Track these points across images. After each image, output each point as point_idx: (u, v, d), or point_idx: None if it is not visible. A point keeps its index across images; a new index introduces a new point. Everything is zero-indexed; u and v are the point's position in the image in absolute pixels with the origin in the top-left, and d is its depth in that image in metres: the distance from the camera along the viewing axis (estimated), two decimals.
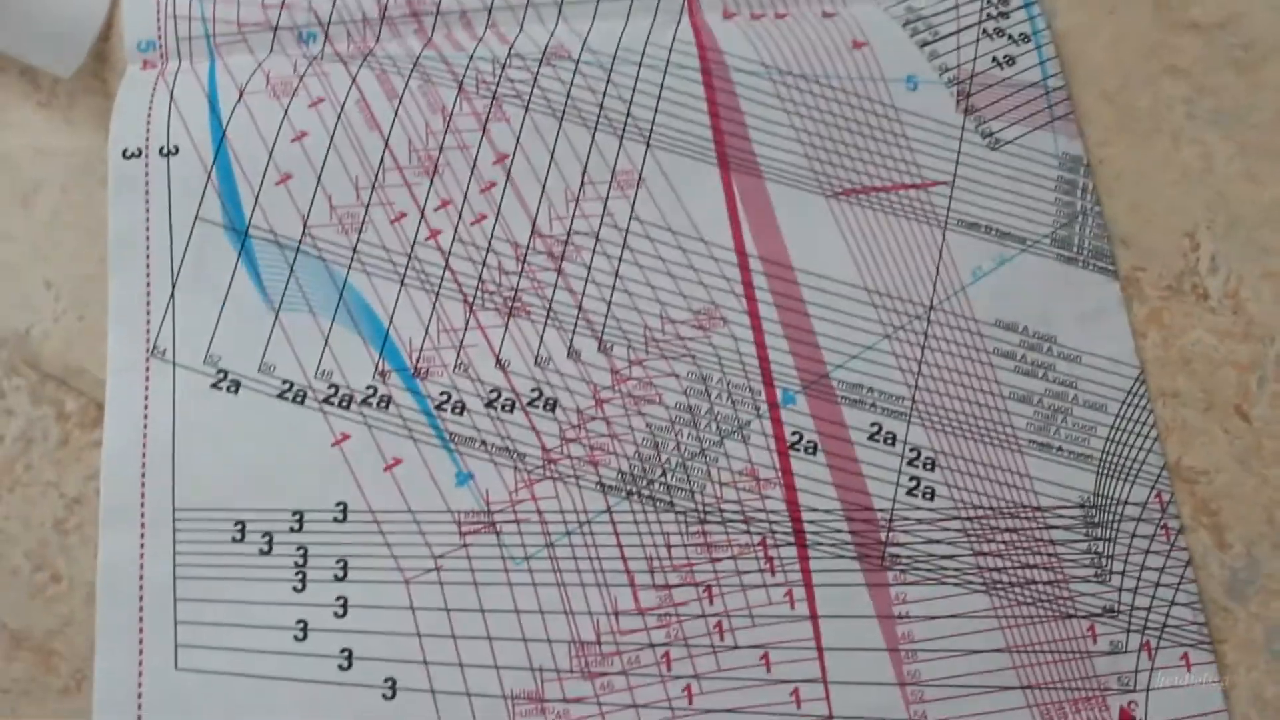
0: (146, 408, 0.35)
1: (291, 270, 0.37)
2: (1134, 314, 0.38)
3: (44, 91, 0.39)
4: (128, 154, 0.37)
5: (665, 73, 0.39)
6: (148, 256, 0.36)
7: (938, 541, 0.35)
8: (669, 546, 0.35)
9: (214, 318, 0.36)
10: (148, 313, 0.36)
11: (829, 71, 0.39)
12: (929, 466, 0.36)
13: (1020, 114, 0.40)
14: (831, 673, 0.35)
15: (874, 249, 0.38)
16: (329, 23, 0.39)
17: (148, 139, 0.37)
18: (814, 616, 0.35)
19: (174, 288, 0.36)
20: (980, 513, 0.36)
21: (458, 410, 0.35)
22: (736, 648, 0.35)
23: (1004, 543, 0.36)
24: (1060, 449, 0.36)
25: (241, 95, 0.38)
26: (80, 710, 0.33)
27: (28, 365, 0.36)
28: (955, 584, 0.35)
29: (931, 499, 0.36)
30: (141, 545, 0.34)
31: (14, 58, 0.39)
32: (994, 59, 0.41)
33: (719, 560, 0.35)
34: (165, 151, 0.37)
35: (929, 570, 0.35)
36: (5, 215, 0.37)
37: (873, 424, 0.37)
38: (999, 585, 0.35)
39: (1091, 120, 0.40)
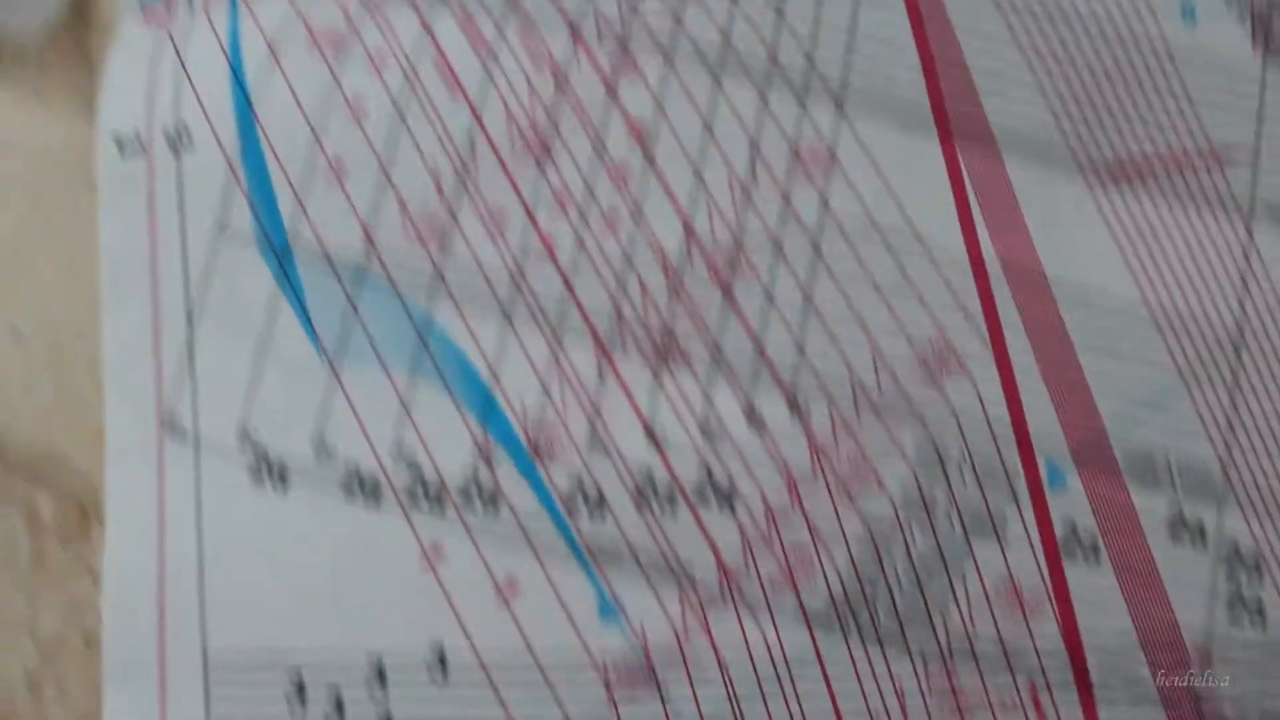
0: (162, 512, 0.21)
1: (353, 304, 0.24)
2: None
3: (7, 62, 0.23)
4: (124, 145, 0.23)
5: (856, 5, 0.24)
6: (154, 289, 0.23)
7: (1276, 682, 0.22)
8: (902, 700, 0.23)
9: (248, 375, 0.22)
10: (158, 371, 0.23)
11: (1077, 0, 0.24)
12: (1255, 571, 0.24)
13: None
14: None
15: (1155, 250, 0.26)
16: None
17: (150, 123, 0.22)
18: None
19: (191, 332, 0.21)
20: None
21: (596, 508, 0.22)
22: None
23: None
24: None
25: (275, 54, 0.22)
26: None
27: None
28: None
29: (1262, 621, 0.23)
30: (162, 709, 0.23)
31: None
32: None
33: (972, 718, 0.22)
34: (174, 140, 0.22)
35: None
36: None
37: (1173, 510, 0.24)
38: None
39: None
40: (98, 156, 0.26)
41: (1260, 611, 0.23)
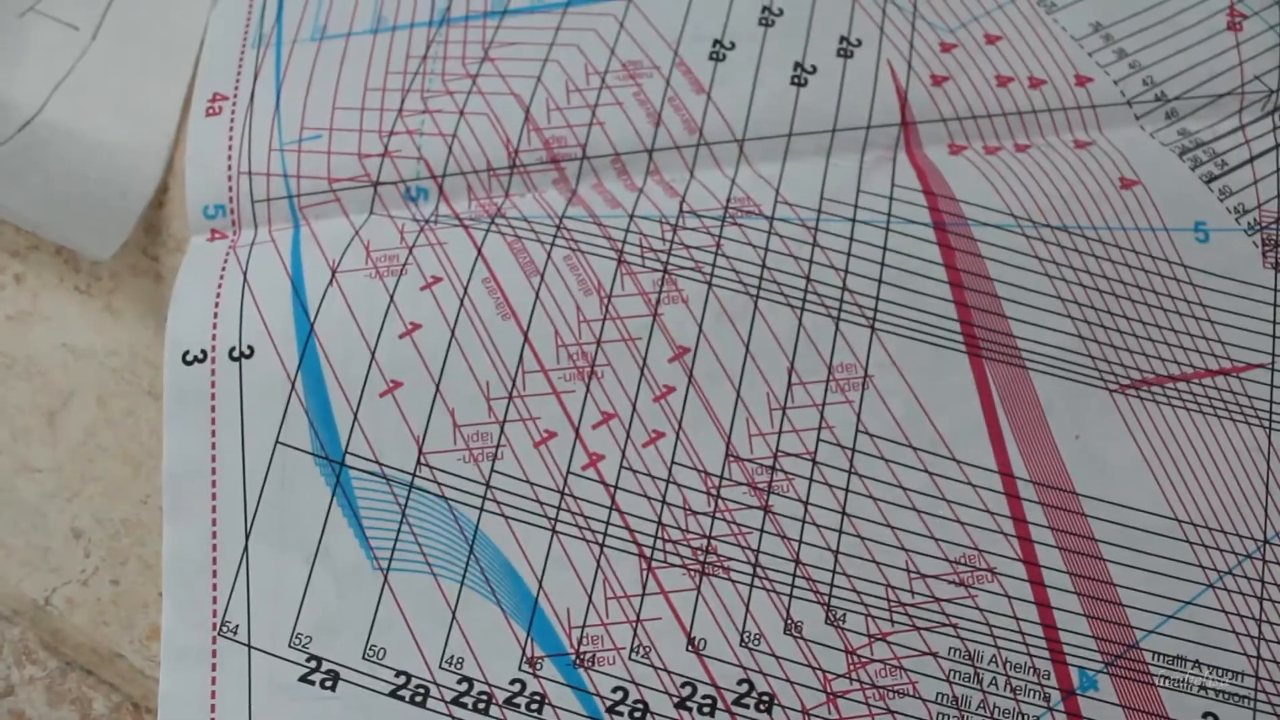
0: (214, 710, 0.26)
1: (403, 514, 0.30)
2: None
3: (84, 274, 0.30)
4: (188, 358, 0.28)
5: (887, 229, 0.30)
6: (213, 496, 0.27)
7: None
8: None
9: (302, 581, 0.27)
10: (214, 575, 0.27)
11: (1094, 220, 0.31)
12: None
13: None
14: None
15: (1180, 462, 0.30)
16: (444, 174, 0.30)
17: (214, 336, 0.28)
18: None
19: (248, 539, 0.27)
20: None
21: (638, 714, 0.28)
22: None
23: None
24: None
25: (334, 274, 0.29)
26: None
27: (46, 648, 0.26)
28: None
29: None
30: None
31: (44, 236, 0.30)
32: None
33: None
34: (236, 353, 0.28)
35: None
36: (27, 438, 0.29)
37: (1205, 715, 0.28)
38: None
39: None
40: (164, 367, 0.32)
41: None
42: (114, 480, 0.31)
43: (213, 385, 0.31)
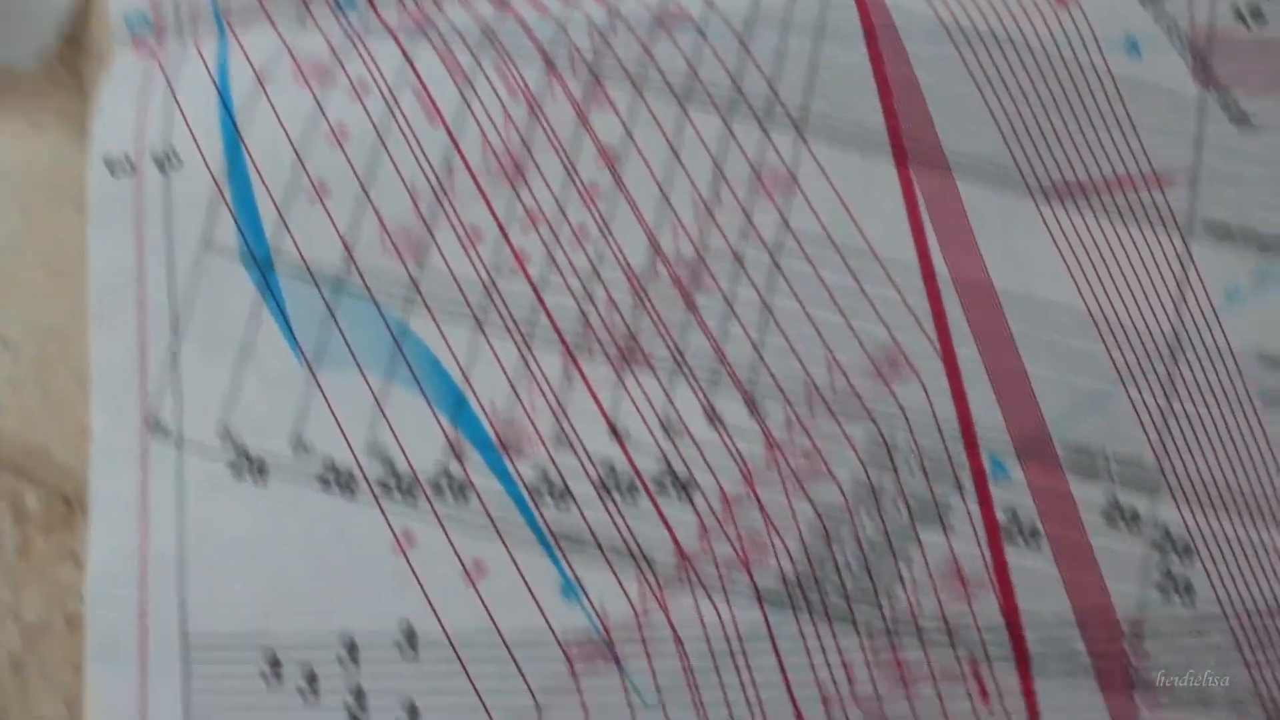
0: (145, 503, 0.27)
1: (332, 313, 0.31)
2: None
3: (3, 88, 0.31)
4: (113, 167, 0.30)
5: (818, 38, 0.30)
6: (140, 300, 0.30)
7: (1200, 653, 0.29)
8: (850, 673, 0.29)
9: (230, 379, 0.29)
10: (142, 375, 0.29)
11: (1027, 33, 0.31)
12: (1184, 553, 0.30)
13: (1277, 84, 0.31)
14: None
15: (1098, 265, 0.32)
16: None
17: (140, 145, 0.30)
18: None
19: (176, 339, 0.28)
20: (1256, 615, 0.30)
21: (560, 498, 0.30)
22: None
23: None
24: None
25: (261, 83, 0.30)
26: None
27: None
28: (1228, 712, 0.29)
29: (1189, 597, 0.30)
30: (143, 689, 0.29)
31: None
32: (1237, 12, 0.35)
33: (916, 690, 0.29)
34: (163, 162, 0.30)
35: (1191, 693, 0.29)
36: None
37: (1109, 499, 0.31)
38: None
39: None
40: (88, 177, 0.33)
41: (1189, 589, 0.30)
42: (41, 290, 0.33)
43: (138, 192, 0.32)
